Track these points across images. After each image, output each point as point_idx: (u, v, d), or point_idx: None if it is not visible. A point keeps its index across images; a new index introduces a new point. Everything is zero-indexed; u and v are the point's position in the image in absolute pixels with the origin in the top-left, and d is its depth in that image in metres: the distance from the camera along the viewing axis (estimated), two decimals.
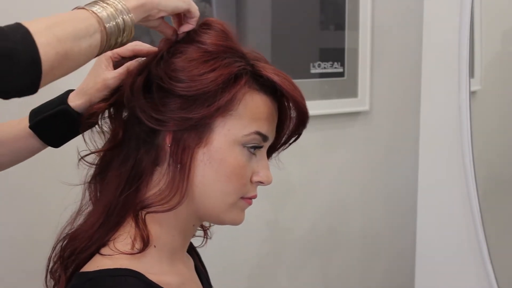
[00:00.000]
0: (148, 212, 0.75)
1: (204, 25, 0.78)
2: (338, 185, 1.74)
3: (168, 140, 0.74)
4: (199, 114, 0.72)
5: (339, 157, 1.72)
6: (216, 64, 0.74)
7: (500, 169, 1.52)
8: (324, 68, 1.63)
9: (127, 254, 0.72)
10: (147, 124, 0.73)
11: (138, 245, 0.73)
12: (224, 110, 0.73)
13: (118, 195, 0.76)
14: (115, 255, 0.72)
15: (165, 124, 0.73)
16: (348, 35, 1.66)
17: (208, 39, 0.75)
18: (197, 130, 0.73)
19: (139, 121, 0.75)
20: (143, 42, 0.83)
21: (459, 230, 1.48)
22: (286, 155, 1.64)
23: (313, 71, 1.61)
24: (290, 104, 0.80)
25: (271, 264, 1.66)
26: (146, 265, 0.73)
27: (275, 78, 0.76)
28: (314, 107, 1.62)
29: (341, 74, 1.66)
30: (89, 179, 0.80)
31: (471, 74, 1.42)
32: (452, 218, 1.50)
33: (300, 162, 1.66)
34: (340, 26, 1.65)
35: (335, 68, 1.65)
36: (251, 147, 0.76)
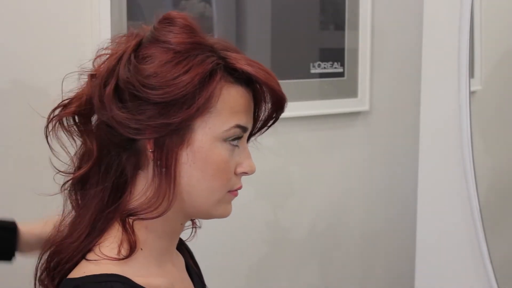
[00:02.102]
0: (136, 219, 0.73)
1: (165, 21, 0.75)
2: (338, 185, 1.74)
3: (149, 146, 0.72)
4: (179, 118, 0.71)
5: (339, 157, 1.72)
6: (188, 64, 0.71)
7: (500, 169, 1.52)
8: (324, 68, 1.63)
9: (113, 259, 0.71)
10: (125, 135, 0.72)
11: (124, 250, 0.72)
12: (203, 109, 0.72)
13: (103, 207, 0.74)
14: (101, 260, 0.71)
15: (145, 133, 0.71)
16: (348, 35, 1.66)
17: (174, 38, 0.73)
18: (179, 133, 0.72)
19: (115, 131, 0.73)
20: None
21: (459, 230, 1.48)
22: (286, 155, 1.65)
23: (313, 71, 1.61)
24: (265, 91, 0.78)
25: (270, 264, 1.66)
26: (134, 269, 0.72)
27: (249, 69, 0.74)
28: (314, 107, 1.63)
29: (341, 74, 1.66)
30: (68, 188, 0.78)
31: (471, 74, 1.42)
32: (452, 218, 1.50)
33: (300, 162, 1.66)
34: (340, 26, 1.65)
35: (335, 68, 1.65)
36: (232, 140, 0.75)
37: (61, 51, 1.26)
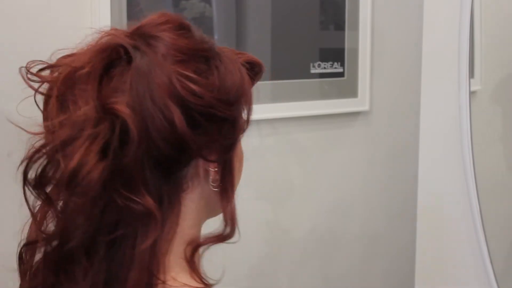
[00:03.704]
0: (209, 246, 0.67)
1: (167, 25, 0.64)
2: (338, 185, 1.74)
3: (212, 165, 0.64)
4: (244, 128, 0.66)
5: (339, 157, 1.72)
6: (235, 67, 0.65)
7: (500, 169, 1.52)
8: (324, 68, 1.63)
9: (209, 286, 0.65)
10: (207, 160, 0.63)
11: (197, 279, 0.66)
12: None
13: (157, 246, 0.61)
14: None
15: (217, 152, 0.63)
16: (348, 35, 1.66)
17: (200, 42, 0.64)
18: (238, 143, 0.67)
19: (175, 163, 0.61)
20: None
21: (459, 230, 1.48)
22: (286, 155, 1.64)
23: (313, 71, 1.61)
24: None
25: (271, 265, 1.66)
26: None
27: (257, 60, 0.72)
28: (314, 107, 1.63)
29: (341, 74, 1.66)
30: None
31: (471, 74, 1.42)
32: (452, 218, 1.50)
33: (300, 162, 1.66)
34: (340, 26, 1.65)
35: (335, 68, 1.65)
36: None
37: (61, 52, 1.26)
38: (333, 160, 1.72)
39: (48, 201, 0.59)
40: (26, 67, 0.63)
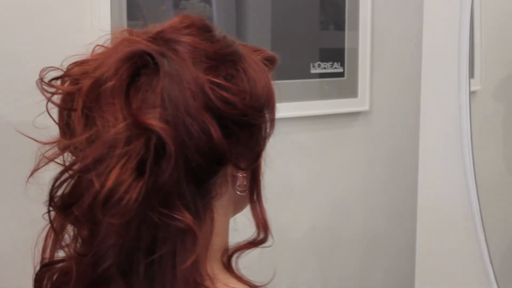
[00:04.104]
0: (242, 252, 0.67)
1: (202, 28, 0.62)
2: (338, 185, 1.74)
3: (241, 171, 0.65)
4: (272, 132, 0.66)
5: (339, 157, 1.72)
6: (260, 66, 0.63)
7: (500, 169, 1.52)
8: (324, 68, 1.63)
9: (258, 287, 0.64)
10: (244, 169, 0.64)
11: (244, 284, 0.66)
12: None
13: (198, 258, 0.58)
14: None
15: (244, 160, 0.63)
16: (348, 35, 1.66)
17: (227, 45, 0.61)
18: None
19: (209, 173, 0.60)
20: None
21: (459, 230, 1.48)
22: (286, 155, 1.64)
23: (313, 71, 1.61)
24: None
25: (270, 264, 1.66)
26: None
27: (274, 54, 0.71)
28: (314, 107, 1.63)
29: (341, 74, 1.66)
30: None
31: (471, 74, 1.42)
32: (452, 218, 1.50)
33: (300, 162, 1.66)
34: (340, 26, 1.65)
35: (335, 68, 1.65)
36: None
37: (60, 52, 1.25)
38: (333, 160, 1.72)
39: (77, 222, 0.56)
40: (40, 78, 0.60)
